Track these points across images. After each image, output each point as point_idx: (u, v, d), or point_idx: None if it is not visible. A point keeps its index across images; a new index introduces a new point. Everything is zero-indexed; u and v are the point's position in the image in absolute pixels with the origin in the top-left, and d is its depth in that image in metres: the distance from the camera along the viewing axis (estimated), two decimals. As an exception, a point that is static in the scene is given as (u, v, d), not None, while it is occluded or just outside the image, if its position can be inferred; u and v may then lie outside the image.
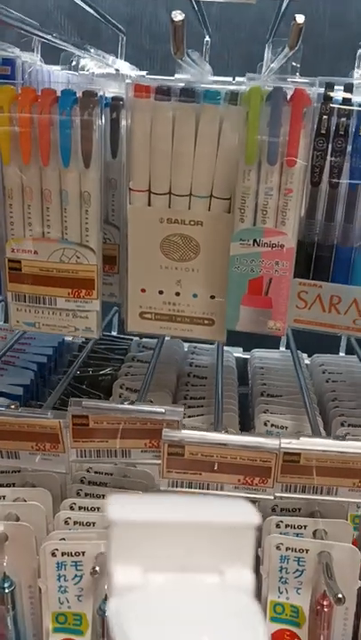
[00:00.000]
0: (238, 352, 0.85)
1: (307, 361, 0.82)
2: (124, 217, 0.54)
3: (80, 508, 0.50)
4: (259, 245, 0.51)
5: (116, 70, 0.74)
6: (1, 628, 0.49)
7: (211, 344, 0.82)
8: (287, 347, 0.81)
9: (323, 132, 0.50)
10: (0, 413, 0.48)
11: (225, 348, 0.80)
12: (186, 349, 0.82)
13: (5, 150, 0.51)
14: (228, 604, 0.19)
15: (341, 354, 0.83)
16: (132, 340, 0.85)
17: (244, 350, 0.85)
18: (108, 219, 0.61)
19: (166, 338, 0.83)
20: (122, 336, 0.87)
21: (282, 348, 0.83)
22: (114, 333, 0.89)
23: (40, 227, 0.53)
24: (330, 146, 0.50)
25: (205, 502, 0.21)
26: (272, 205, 0.50)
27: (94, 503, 0.50)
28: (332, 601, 0.45)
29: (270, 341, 0.85)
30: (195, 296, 0.55)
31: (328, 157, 0.50)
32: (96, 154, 0.50)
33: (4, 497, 0.50)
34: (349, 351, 0.82)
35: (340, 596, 0.44)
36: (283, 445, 0.47)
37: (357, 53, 0.69)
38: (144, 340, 0.84)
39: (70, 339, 0.86)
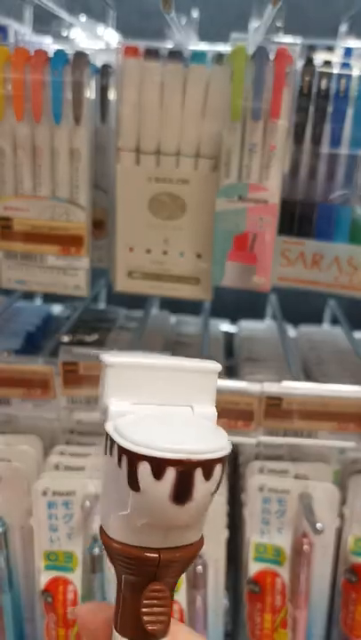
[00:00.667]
0: (226, 326, 0.87)
1: (292, 333, 0.84)
2: (112, 180, 0.56)
3: (70, 455, 0.51)
4: (243, 201, 0.53)
5: (106, 43, 0.75)
6: (-8, 568, 0.50)
7: (197, 314, 0.84)
8: (273, 318, 0.82)
9: (305, 92, 0.52)
10: (-8, 360, 0.49)
11: (212, 321, 0.82)
12: (173, 321, 0.84)
13: (-2, 107, 0.52)
14: (199, 422, 0.23)
15: (326, 326, 0.85)
16: (119, 312, 0.86)
17: (231, 323, 0.87)
18: (97, 183, 0.62)
19: (153, 311, 0.85)
20: (109, 309, 0.88)
21: (268, 320, 0.85)
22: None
23: (31, 184, 0.55)
24: (312, 106, 0.52)
25: (181, 358, 0.25)
26: (256, 161, 0.52)
27: (84, 450, 0.51)
28: (311, 533, 0.46)
29: (258, 314, 0.87)
30: (181, 255, 0.57)
31: (310, 117, 0.52)
32: (86, 111, 0.52)
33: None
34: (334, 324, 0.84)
35: (318, 525, 0.46)
36: (265, 389, 0.48)
37: (339, 30, 0.71)
38: (132, 312, 0.86)
39: (58, 312, 0.87)
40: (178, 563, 0.23)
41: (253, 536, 0.51)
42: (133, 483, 0.21)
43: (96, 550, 0.48)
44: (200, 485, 0.21)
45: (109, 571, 0.52)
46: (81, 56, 0.52)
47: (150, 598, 0.23)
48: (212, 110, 0.52)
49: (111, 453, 0.22)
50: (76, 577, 0.49)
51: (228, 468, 0.58)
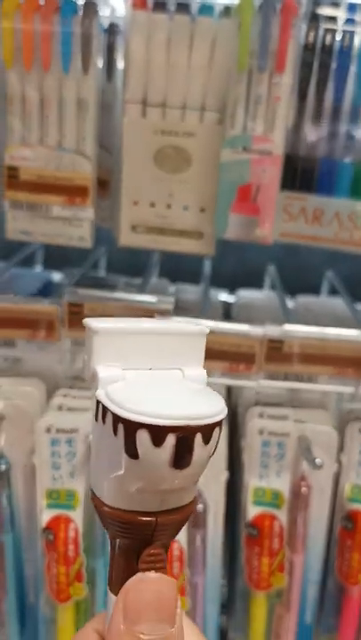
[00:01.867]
0: (224, 296, 0.88)
1: (290, 304, 0.84)
2: (118, 137, 0.57)
3: (73, 397, 0.52)
4: (248, 152, 0.54)
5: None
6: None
7: (196, 284, 0.85)
8: (272, 288, 0.83)
9: (310, 48, 0.53)
10: (-2, 300, 0.50)
11: (211, 291, 0.83)
12: (172, 290, 0.85)
13: (8, 56, 0.53)
14: (191, 386, 0.23)
15: (323, 296, 0.86)
16: (118, 280, 0.87)
17: (229, 294, 0.88)
18: (102, 143, 0.63)
19: (153, 280, 0.85)
20: (109, 277, 0.89)
21: (266, 290, 0.86)
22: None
23: (38, 134, 0.56)
24: (316, 62, 0.53)
25: (167, 321, 0.25)
26: (261, 113, 0.53)
27: (88, 393, 0.52)
28: (308, 478, 0.47)
29: (256, 285, 0.88)
30: (185, 209, 0.58)
31: (314, 73, 0.53)
32: (94, 61, 0.53)
33: (-1, 386, 0.52)
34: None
35: (317, 461, 0.47)
36: (267, 332, 0.49)
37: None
38: (132, 280, 0.87)
39: (58, 279, 0.88)
40: (174, 524, 0.23)
41: (252, 480, 0.52)
42: (131, 451, 0.21)
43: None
44: (199, 450, 0.21)
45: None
46: (90, 6, 0.53)
47: (147, 562, 0.23)
48: (218, 63, 0.53)
49: (104, 421, 0.22)
50: (77, 515, 0.50)
51: (228, 410, 0.58)
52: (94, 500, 0.23)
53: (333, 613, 0.58)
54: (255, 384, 0.50)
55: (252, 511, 0.52)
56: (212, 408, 0.21)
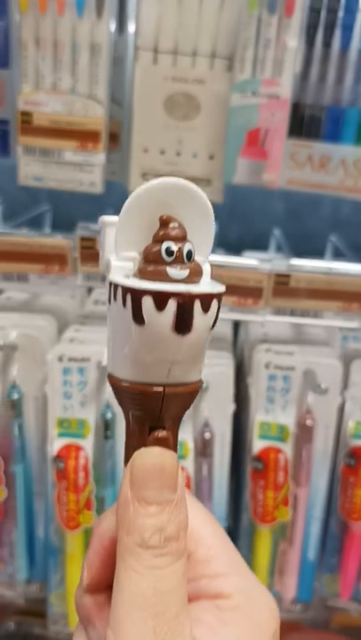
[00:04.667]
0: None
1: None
2: (129, 86, 0.58)
3: (85, 332, 0.53)
4: (256, 96, 0.55)
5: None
6: (7, 434, 0.52)
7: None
8: (278, 250, 0.85)
9: (318, -7, 0.54)
10: (12, 234, 0.51)
11: (217, 251, 0.84)
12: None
13: (24, -1, 0.54)
14: None
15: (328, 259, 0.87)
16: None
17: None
18: (113, 96, 0.64)
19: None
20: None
21: (272, 252, 0.87)
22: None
23: (52, 79, 0.57)
24: (324, 9, 0.54)
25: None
26: (270, 56, 0.54)
27: (99, 329, 0.53)
28: (314, 412, 0.48)
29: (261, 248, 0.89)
30: (194, 156, 0.59)
31: (322, 19, 0.54)
32: (108, 4, 0.54)
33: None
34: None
35: (323, 385, 0.48)
36: (274, 267, 0.50)
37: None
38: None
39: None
40: (180, 398, 0.25)
41: (258, 415, 0.53)
42: (138, 317, 0.22)
43: (109, 415, 0.50)
44: (199, 317, 0.22)
45: (120, 438, 0.52)
46: None
47: (154, 444, 0.24)
48: (229, 8, 0.54)
49: (115, 298, 0.23)
50: (87, 443, 0.51)
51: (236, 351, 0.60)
52: (111, 380, 0.25)
53: (336, 553, 0.59)
54: (262, 319, 0.51)
55: (257, 445, 0.53)
56: (212, 285, 0.23)
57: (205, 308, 0.23)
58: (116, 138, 0.65)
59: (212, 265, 0.25)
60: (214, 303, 0.23)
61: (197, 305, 0.22)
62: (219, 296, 0.23)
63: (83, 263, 0.52)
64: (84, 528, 0.52)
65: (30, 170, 0.60)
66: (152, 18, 0.55)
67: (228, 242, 0.88)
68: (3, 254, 0.52)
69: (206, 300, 0.23)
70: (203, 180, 0.60)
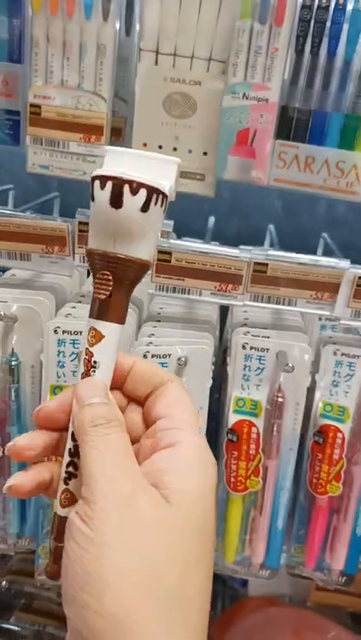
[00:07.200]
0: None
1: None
2: (132, 84, 0.63)
3: (81, 309, 0.58)
4: (247, 99, 0.59)
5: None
6: (5, 398, 0.57)
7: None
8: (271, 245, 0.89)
9: (307, 4, 0.58)
10: (16, 216, 0.56)
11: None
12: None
13: (36, 1, 0.59)
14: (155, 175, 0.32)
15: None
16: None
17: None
18: (118, 93, 0.69)
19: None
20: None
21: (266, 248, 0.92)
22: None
23: (60, 75, 0.62)
24: (312, 19, 0.59)
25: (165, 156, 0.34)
26: (260, 63, 0.58)
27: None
28: (284, 390, 0.53)
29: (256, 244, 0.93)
30: (190, 152, 0.64)
31: (311, 28, 0.59)
32: (114, 9, 0.59)
33: (13, 299, 0.59)
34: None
35: (290, 364, 0.53)
36: (253, 256, 0.55)
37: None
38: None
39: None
40: (122, 266, 0.32)
41: (235, 391, 0.58)
42: (91, 195, 0.32)
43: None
44: (128, 197, 0.31)
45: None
46: None
47: (97, 284, 0.33)
48: (225, 18, 0.59)
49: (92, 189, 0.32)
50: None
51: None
52: (87, 252, 0.33)
53: (304, 526, 0.64)
54: (241, 304, 0.56)
55: (232, 418, 0.58)
56: (150, 179, 0.31)
57: (133, 192, 0.31)
58: (120, 132, 0.70)
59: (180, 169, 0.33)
60: (142, 191, 0.31)
61: (127, 188, 0.31)
62: (149, 188, 0.31)
63: (80, 245, 0.57)
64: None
65: (38, 158, 0.65)
66: (154, 22, 0.60)
67: (226, 236, 0.93)
68: (8, 234, 0.57)
69: (135, 186, 0.31)
70: (197, 175, 0.65)
